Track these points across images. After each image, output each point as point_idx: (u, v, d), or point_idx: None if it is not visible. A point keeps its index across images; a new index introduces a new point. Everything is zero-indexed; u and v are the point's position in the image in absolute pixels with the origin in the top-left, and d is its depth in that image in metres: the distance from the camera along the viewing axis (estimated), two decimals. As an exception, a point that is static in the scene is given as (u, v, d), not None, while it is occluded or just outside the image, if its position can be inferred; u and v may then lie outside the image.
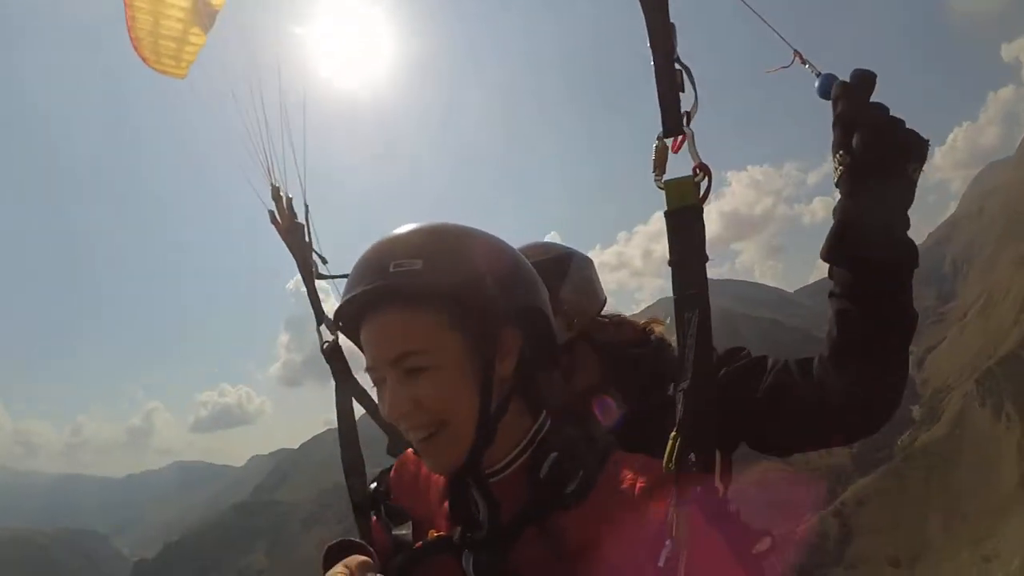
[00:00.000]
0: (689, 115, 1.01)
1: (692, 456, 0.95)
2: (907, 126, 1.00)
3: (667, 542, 0.89)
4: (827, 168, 1.10)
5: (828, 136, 1.07)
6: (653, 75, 1.01)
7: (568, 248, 1.68)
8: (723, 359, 1.47)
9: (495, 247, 1.06)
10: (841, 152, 1.02)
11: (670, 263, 1.04)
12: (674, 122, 1.02)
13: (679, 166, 1.01)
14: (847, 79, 1.04)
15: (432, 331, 0.97)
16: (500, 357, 1.01)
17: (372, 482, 1.34)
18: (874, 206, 1.01)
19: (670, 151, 1.02)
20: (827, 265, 1.15)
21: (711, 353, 1.04)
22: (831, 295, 1.15)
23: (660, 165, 1.05)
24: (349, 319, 1.06)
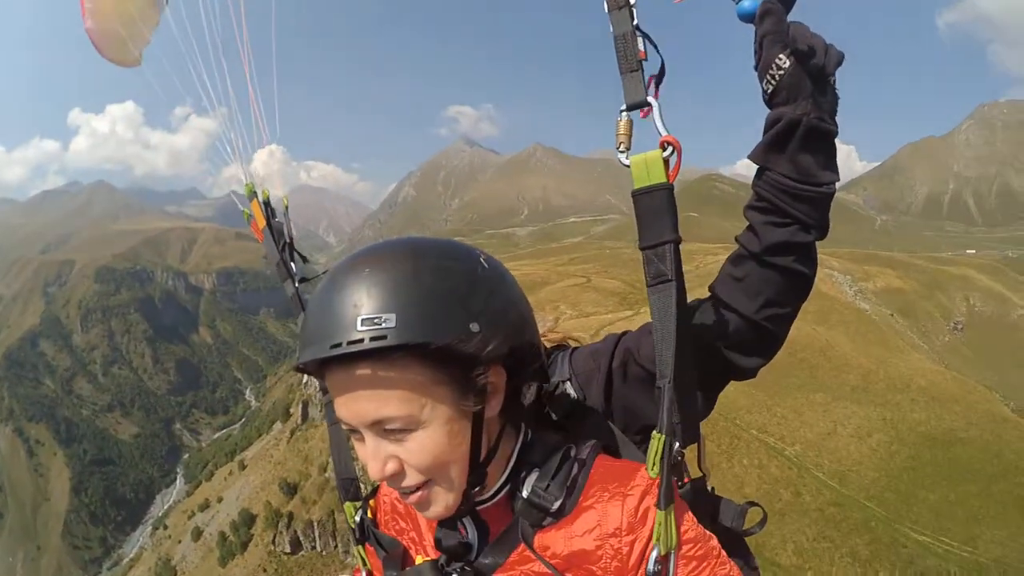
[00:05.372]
0: (658, 82, 0.97)
1: (678, 447, 0.91)
2: (826, 40, 1.02)
3: (654, 546, 0.87)
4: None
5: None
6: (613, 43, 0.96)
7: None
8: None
9: (478, 276, 0.90)
10: (774, 65, 1.00)
11: (641, 247, 0.97)
12: (637, 93, 0.96)
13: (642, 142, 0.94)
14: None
15: (413, 392, 0.85)
16: (488, 399, 0.91)
17: (358, 511, 1.28)
18: (810, 112, 1.01)
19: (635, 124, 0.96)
20: None
21: (689, 344, 0.99)
22: (750, 208, 1.09)
23: (625, 141, 0.97)
24: (311, 371, 0.92)
